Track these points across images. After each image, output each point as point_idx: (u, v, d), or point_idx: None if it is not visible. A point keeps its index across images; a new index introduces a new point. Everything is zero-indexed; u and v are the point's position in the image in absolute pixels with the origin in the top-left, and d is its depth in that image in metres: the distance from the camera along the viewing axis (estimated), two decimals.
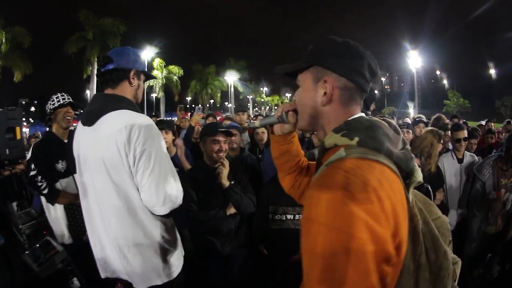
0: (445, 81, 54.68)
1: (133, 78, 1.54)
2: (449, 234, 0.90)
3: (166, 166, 1.46)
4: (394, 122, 0.99)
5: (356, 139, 0.77)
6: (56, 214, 2.52)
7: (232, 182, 2.32)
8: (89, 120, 1.46)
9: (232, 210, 2.33)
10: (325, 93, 0.86)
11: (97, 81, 1.62)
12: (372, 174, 0.69)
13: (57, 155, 2.53)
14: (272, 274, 2.59)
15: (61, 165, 2.53)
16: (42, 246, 2.03)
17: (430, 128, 3.49)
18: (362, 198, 0.64)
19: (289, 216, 2.52)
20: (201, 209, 2.29)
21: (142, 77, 1.61)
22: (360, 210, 0.62)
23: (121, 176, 1.39)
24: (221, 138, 2.34)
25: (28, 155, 2.51)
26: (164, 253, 1.51)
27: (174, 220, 1.65)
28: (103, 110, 1.43)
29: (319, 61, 0.88)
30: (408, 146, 0.86)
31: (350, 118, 0.86)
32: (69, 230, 2.53)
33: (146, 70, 1.64)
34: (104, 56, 1.56)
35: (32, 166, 2.46)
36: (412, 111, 23.11)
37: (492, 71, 49.53)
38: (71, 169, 2.50)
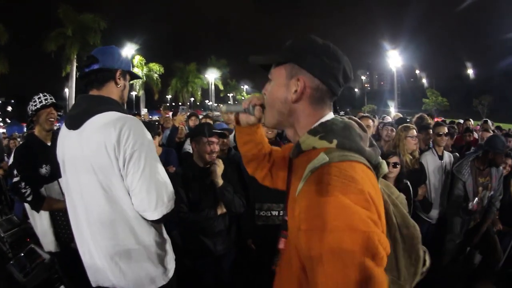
0: (424, 80, 56.13)
1: (119, 79, 1.49)
2: (406, 205, 1.00)
3: (158, 168, 1.41)
4: (370, 121, 1.04)
5: (335, 141, 0.82)
6: (41, 222, 2.41)
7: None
8: (74, 123, 1.39)
9: (222, 210, 2.35)
10: (295, 91, 0.87)
11: (80, 82, 1.54)
12: (358, 174, 0.75)
13: (40, 160, 2.41)
14: (258, 269, 2.64)
15: (45, 170, 2.42)
16: (27, 254, 1.98)
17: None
18: (360, 199, 0.71)
19: (274, 213, 2.57)
20: (191, 209, 2.29)
21: (128, 77, 1.56)
22: (363, 210, 0.70)
23: (111, 181, 1.34)
24: (214, 140, 2.36)
25: (11, 160, 2.43)
26: (157, 258, 1.47)
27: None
28: (89, 112, 1.37)
29: (296, 58, 0.88)
30: (374, 142, 0.93)
31: (324, 120, 0.89)
32: (56, 238, 2.42)
33: (131, 70, 1.60)
34: (88, 56, 1.49)
35: (15, 172, 2.35)
36: (393, 110, 23.62)
37: (470, 71, 51.24)
38: (55, 174, 2.42)
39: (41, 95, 2.51)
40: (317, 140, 0.84)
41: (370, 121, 3.57)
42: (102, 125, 1.33)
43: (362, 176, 0.76)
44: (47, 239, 2.41)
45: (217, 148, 2.38)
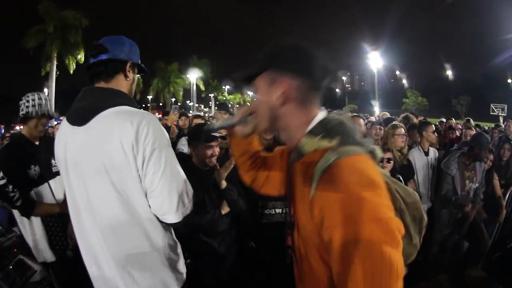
0: (404, 81, 57.34)
1: (129, 71, 1.37)
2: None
3: (178, 168, 1.32)
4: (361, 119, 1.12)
5: (337, 139, 0.86)
6: (32, 229, 2.20)
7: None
8: (80, 118, 1.25)
9: (226, 209, 2.33)
10: (279, 95, 0.90)
11: (86, 73, 1.38)
12: (366, 165, 0.81)
13: (28, 160, 2.22)
14: (259, 266, 2.64)
15: (33, 171, 2.21)
16: (16, 267, 1.83)
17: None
18: (374, 188, 0.76)
19: (278, 210, 2.58)
20: (196, 211, 2.26)
21: (136, 70, 1.45)
22: (379, 198, 0.76)
23: (126, 182, 1.22)
24: (214, 143, 2.28)
25: None
26: (171, 263, 1.37)
27: None
28: (99, 106, 1.24)
29: (272, 64, 0.92)
30: (363, 133, 0.99)
31: (318, 119, 0.91)
32: (50, 246, 2.22)
33: (140, 63, 1.47)
34: (96, 45, 1.35)
35: (1, 174, 2.09)
36: (377, 109, 24.12)
37: (449, 72, 52.72)
38: (45, 175, 2.25)
39: (36, 96, 2.26)
40: (317, 141, 0.87)
41: (361, 120, 3.66)
42: (116, 120, 1.21)
43: (369, 166, 0.82)
44: (41, 248, 2.22)
45: (217, 151, 2.30)
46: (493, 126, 8.54)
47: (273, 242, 2.53)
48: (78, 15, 21.21)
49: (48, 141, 2.38)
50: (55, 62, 21.26)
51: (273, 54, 0.93)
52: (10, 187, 2.05)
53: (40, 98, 2.27)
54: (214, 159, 2.29)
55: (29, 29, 20.30)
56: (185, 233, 2.32)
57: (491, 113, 22.06)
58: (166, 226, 1.34)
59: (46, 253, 2.22)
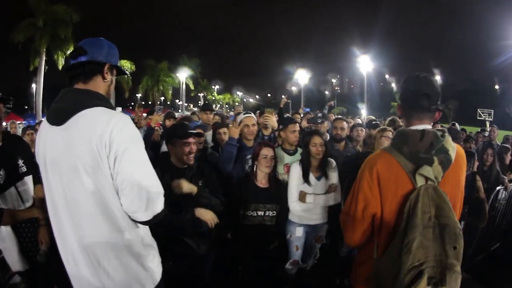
0: (393, 85, 57.93)
1: (107, 73, 1.42)
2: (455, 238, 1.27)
3: (149, 167, 1.36)
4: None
5: (393, 141, 1.44)
6: (2, 239, 2.10)
7: (200, 184, 2.34)
8: (59, 119, 1.30)
9: (202, 214, 2.30)
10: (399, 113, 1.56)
11: (66, 74, 1.43)
12: (378, 158, 1.42)
13: None
14: (239, 266, 2.67)
15: None
16: None
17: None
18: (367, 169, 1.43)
19: (260, 213, 2.62)
20: (171, 210, 2.25)
21: (114, 72, 1.49)
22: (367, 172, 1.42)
23: (99, 180, 1.27)
24: (191, 140, 2.32)
25: None
26: (145, 260, 1.42)
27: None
28: (76, 107, 1.29)
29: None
30: (433, 151, 1.32)
31: (404, 129, 1.46)
32: (23, 253, 2.15)
33: (119, 65, 1.53)
34: (76, 47, 1.40)
35: None
36: (364, 112, 24.35)
37: (438, 77, 53.55)
38: (11, 179, 2.12)
39: None
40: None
41: (344, 123, 3.66)
42: (91, 120, 1.26)
43: (382, 160, 1.40)
44: (13, 259, 2.14)
45: (194, 148, 2.35)
46: (479, 130, 8.72)
47: (253, 244, 2.58)
48: (69, 10, 20.82)
49: (12, 139, 2.30)
50: (44, 57, 20.86)
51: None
52: None
53: None
54: (191, 157, 2.32)
55: (18, 23, 19.83)
56: (165, 233, 2.33)
57: (478, 118, 22.45)
58: (139, 224, 1.38)
59: (18, 263, 2.15)
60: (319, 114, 4.45)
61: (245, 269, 2.69)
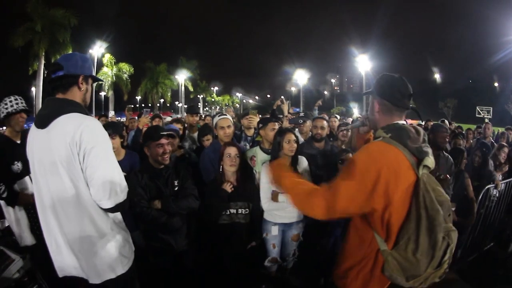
0: None
1: (81, 83, 1.66)
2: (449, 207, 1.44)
3: (112, 163, 1.61)
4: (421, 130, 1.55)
5: (389, 134, 1.48)
6: (16, 216, 2.60)
7: (176, 184, 2.51)
8: (43, 123, 1.57)
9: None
10: (376, 110, 1.60)
11: (48, 86, 1.71)
12: (378, 148, 1.47)
13: (11, 156, 2.59)
14: (215, 263, 2.72)
15: (17, 166, 2.60)
16: None
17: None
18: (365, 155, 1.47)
19: (232, 211, 2.70)
20: (146, 207, 2.36)
21: (90, 80, 1.73)
22: (364, 158, 1.46)
23: (74, 175, 1.53)
24: (164, 141, 2.45)
25: None
26: (116, 247, 1.65)
27: (125, 222, 1.79)
28: (55, 113, 1.55)
29: (372, 92, 1.64)
30: (427, 144, 1.49)
31: (392, 123, 1.52)
32: (31, 231, 2.62)
33: (93, 74, 1.76)
34: (53, 63, 1.67)
35: None
36: (356, 111, 24.27)
37: (437, 76, 53.64)
38: (26, 170, 2.58)
39: (12, 98, 2.68)
40: (380, 132, 1.52)
41: (325, 122, 3.65)
42: (66, 124, 1.53)
43: (382, 150, 1.45)
44: (25, 234, 2.61)
45: (168, 148, 2.47)
46: (474, 128, 8.67)
47: (231, 242, 2.66)
48: (67, 14, 21.00)
49: None
50: (43, 61, 20.98)
51: (373, 84, 1.63)
52: None
53: (16, 99, 2.69)
54: (166, 157, 2.45)
55: (17, 27, 20.05)
56: (146, 230, 2.46)
57: (477, 115, 22.44)
58: (108, 213, 1.64)
59: (27, 237, 2.62)
60: (301, 114, 4.44)
61: (225, 267, 2.74)
